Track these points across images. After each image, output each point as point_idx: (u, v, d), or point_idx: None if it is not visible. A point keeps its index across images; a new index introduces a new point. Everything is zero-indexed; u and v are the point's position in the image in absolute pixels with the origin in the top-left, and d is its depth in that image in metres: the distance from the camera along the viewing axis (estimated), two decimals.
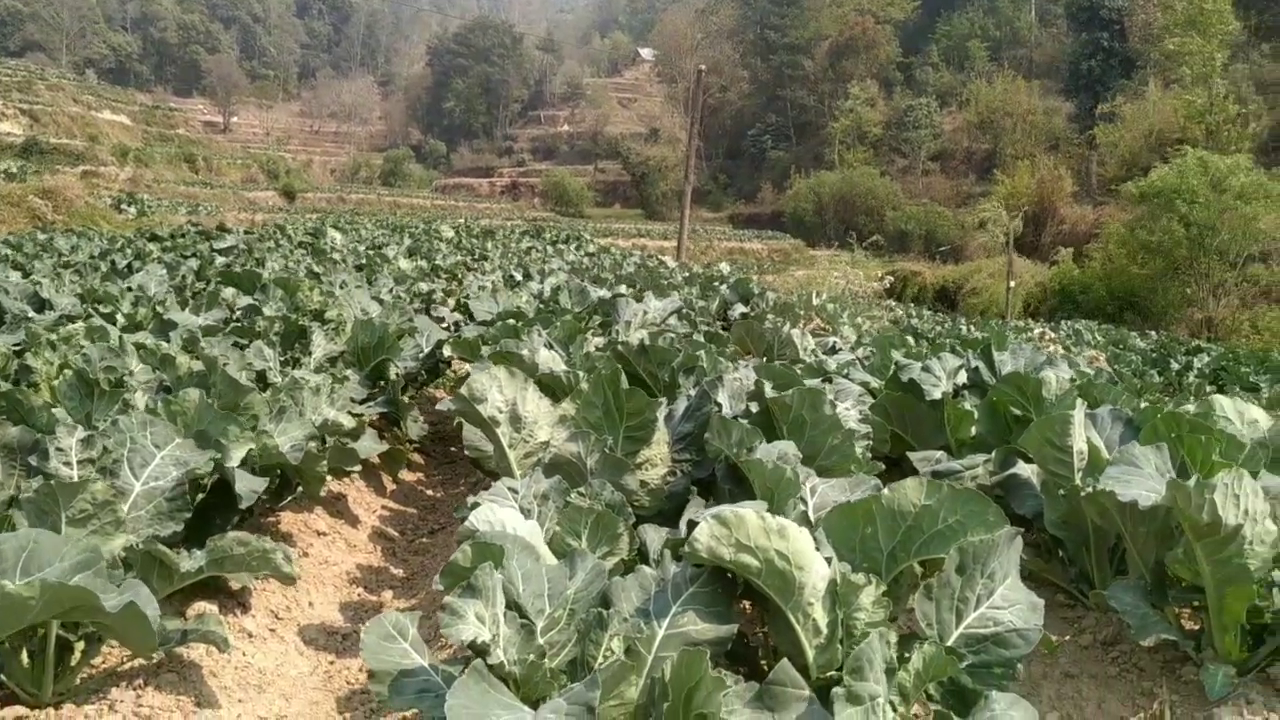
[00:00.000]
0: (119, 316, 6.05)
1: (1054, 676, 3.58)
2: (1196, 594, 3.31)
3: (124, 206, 28.52)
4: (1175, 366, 18.47)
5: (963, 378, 5.27)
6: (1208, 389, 17.17)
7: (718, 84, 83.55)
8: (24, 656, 2.74)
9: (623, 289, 8.04)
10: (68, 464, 3.12)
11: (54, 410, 3.42)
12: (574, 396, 3.69)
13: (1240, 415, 4.04)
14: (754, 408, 3.83)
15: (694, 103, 28.40)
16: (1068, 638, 3.79)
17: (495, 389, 3.58)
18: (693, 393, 3.92)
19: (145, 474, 3.15)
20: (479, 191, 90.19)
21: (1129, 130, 49.21)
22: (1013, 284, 32.76)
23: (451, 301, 8.98)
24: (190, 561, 2.84)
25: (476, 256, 17.44)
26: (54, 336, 4.73)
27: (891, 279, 29.29)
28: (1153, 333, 26.29)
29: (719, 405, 3.91)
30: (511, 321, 5.44)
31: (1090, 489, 3.42)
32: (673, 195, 79.69)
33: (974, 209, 51.80)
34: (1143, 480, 3.17)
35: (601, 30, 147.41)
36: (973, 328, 22.84)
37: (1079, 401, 3.88)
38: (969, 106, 68.49)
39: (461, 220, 41.69)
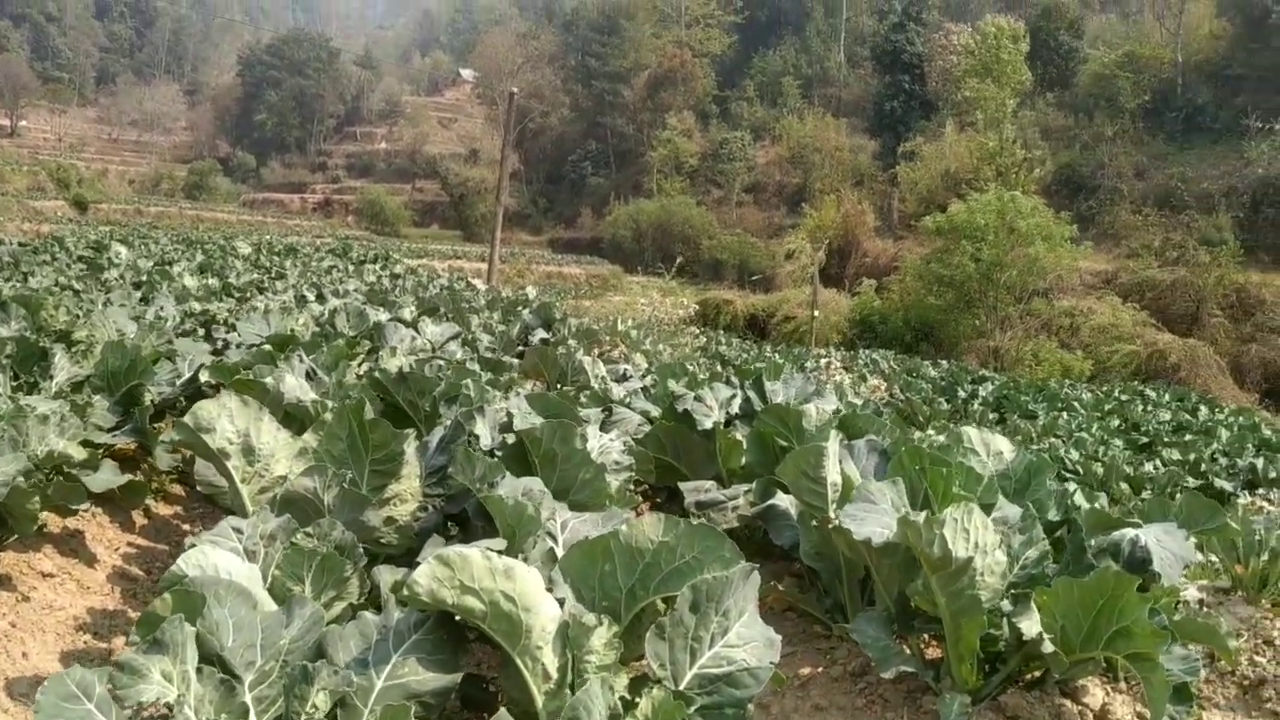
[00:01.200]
0: None
1: (804, 709, 3.58)
2: (937, 624, 3.38)
3: None
4: (962, 395, 19.46)
5: (736, 408, 5.31)
6: (990, 416, 18.18)
7: (539, 108, 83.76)
8: None
9: (406, 313, 7.80)
10: None
11: None
12: (317, 428, 3.47)
13: (986, 446, 4.18)
14: (509, 439, 3.72)
15: (507, 125, 28.31)
16: (820, 669, 3.82)
17: (225, 418, 3.34)
18: (440, 432, 3.78)
19: None
20: (290, 208, 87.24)
21: (927, 169, 51.90)
22: (817, 313, 33.91)
23: (229, 321, 8.54)
24: None
25: (273, 275, 16.75)
26: None
27: (699, 306, 29.82)
28: (944, 362, 27.67)
29: (476, 437, 3.78)
30: (268, 347, 5.15)
31: (838, 521, 3.47)
32: (491, 216, 79.20)
33: (784, 240, 53.54)
34: (878, 516, 3.21)
35: (422, 49, 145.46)
36: (778, 354, 23.49)
37: (833, 433, 3.93)
38: (781, 141, 70.90)
39: (268, 236, 40.13)
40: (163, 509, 6.19)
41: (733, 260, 57.01)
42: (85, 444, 4.57)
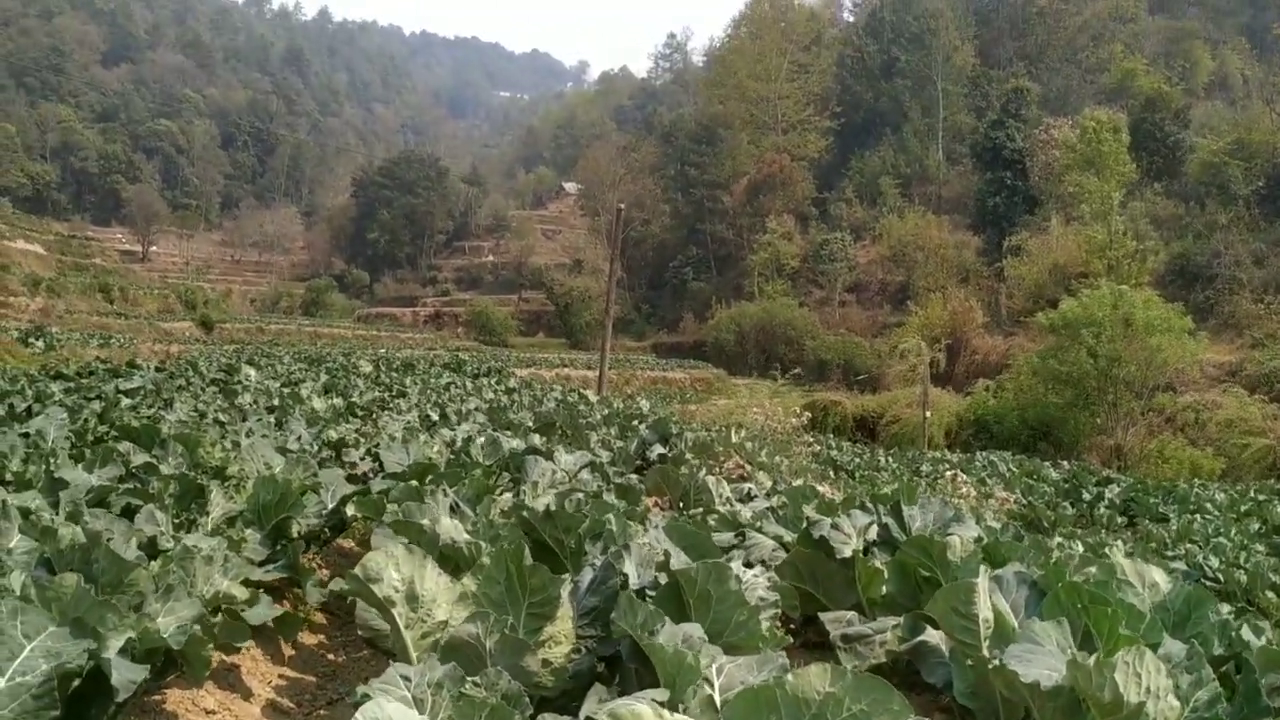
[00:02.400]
0: (8, 473, 5.81)
1: None
2: None
3: (31, 340, 27.83)
4: (1087, 498, 18.83)
5: (874, 534, 5.28)
6: (1119, 519, 17.53)
7: (640, 217, 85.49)
8: None
9: (536, 439, 7.97)
10: None
11: None
12: (475, 572, 3.58)
13: (1141, 578, 4.09)
14: (662, 578, 3.76)
15: (614, 237, 28.93)
16: None
17: (391, 567, 3.47)
18: (598, 562, 3.85)
19: (11, 669, 2.96)
20: (402, 320, 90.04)
21: (1034, 264, 51.24)
22: (929, 414, 33.40)
23: (364, 446, 8.81)
24: None
25: (394, 393, 17.26)
26: None
27: (810, 413, 29.68)
28: (1065, 462, 26.88)
29: (625, 576, 3.84)
30: (414, 483, 5.32)
31: (997, 661, 3.41)
32: (596, 324, 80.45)
33: (890, 338, 53.14)
34: (1044, 659, 3.16)
35: (526, 165, 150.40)
36: (890, 458, 23.13)
37: (982, 569, 3.88)
38: (882, 240, 70.85)
39: (383, 350, 41.42)
40: (307, 638, 6.36)
41: (837, 360, 56.69)
42: (246, 583, 4.77)
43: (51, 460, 6.37)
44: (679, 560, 3.67)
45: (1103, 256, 43.96)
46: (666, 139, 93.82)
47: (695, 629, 3.24)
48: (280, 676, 5.53)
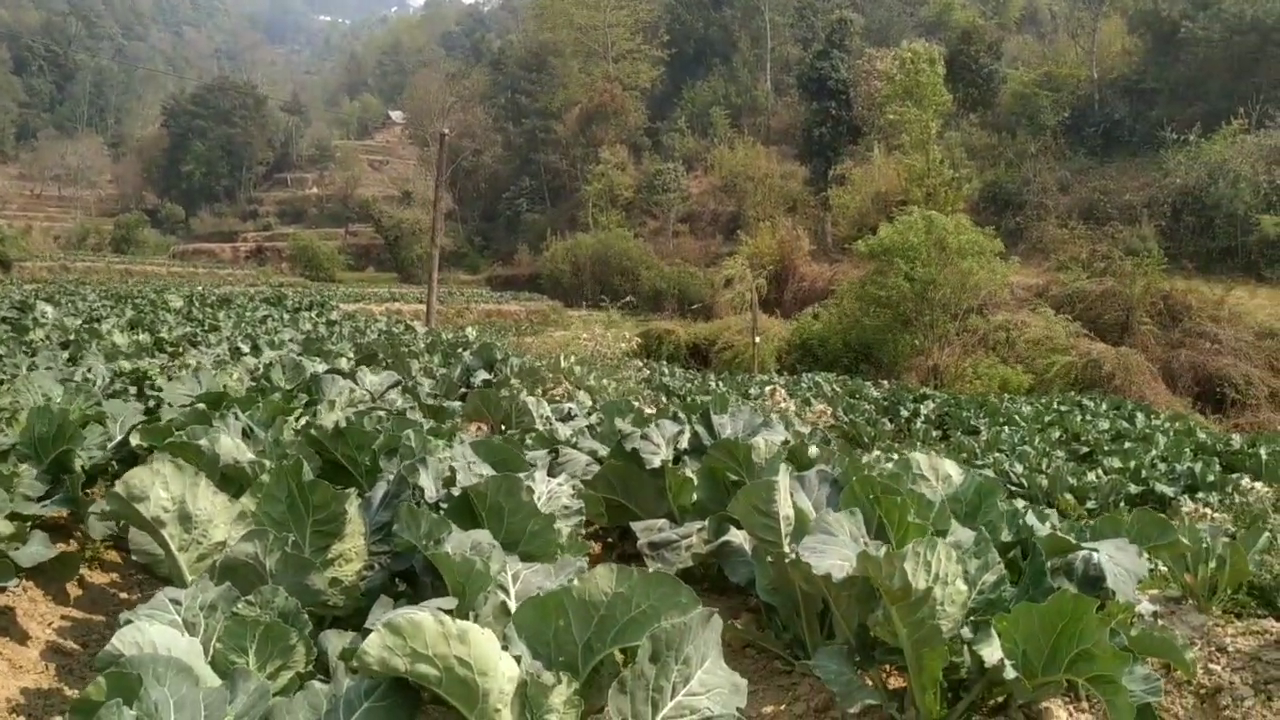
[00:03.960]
0: None
1: None
2: (899, 654, 3.35)
3: None
4: (905, 413, 19.63)
5: (685, 443, 5.27)
6: (934, 433, 18.36)
7: (471, 147, 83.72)
8: None
9: (343, 363, 7.66)
10: None
11: None
12: (254, 490, 3.36)
13: (935, 471, 4.18)
14: (454, 492, 3.63)
15: (439, 165, 28.20)
16: (783, 707, 3.76)
17: (159, 485, 3.21)
18: (392, 478, 3.68)
19: None
20: (221, 257, 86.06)
21: (858, 192, 52.69)
22: (758, 339, 34.10)
23: (163, 378, 8.31)
24: None
25: (206, 328, 16.43)
26: None
27: (642, 340, 29.90)
28: (885, 382, 27.94)
29: (420, 489, 3.69)
30: (201, 406, 5.00)
31: (795, 556, 3.42)
32: (427, 257, 78.61)
33: (722, 268, 53.89)
34: (838, 549, 3.18)
35: (350, 92, 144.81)
36: (721, 382, 23.54)
37: (784, 466, 3.90)
38: (713, 170, 71.56)
39: (199, 288, 39.46)
40: (98, 577, 5.97)
41: (672, 290, 57.21)
42: (13, 517, 4.40)
43: None
44: (479, 474, 3.53)
45: (921, 184, 45.52)
46: (496, 66, 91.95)
47: (485, 535, 3.13)
48: (63, 618, 5.17)
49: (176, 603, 2.95)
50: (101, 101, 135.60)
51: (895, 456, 10.42)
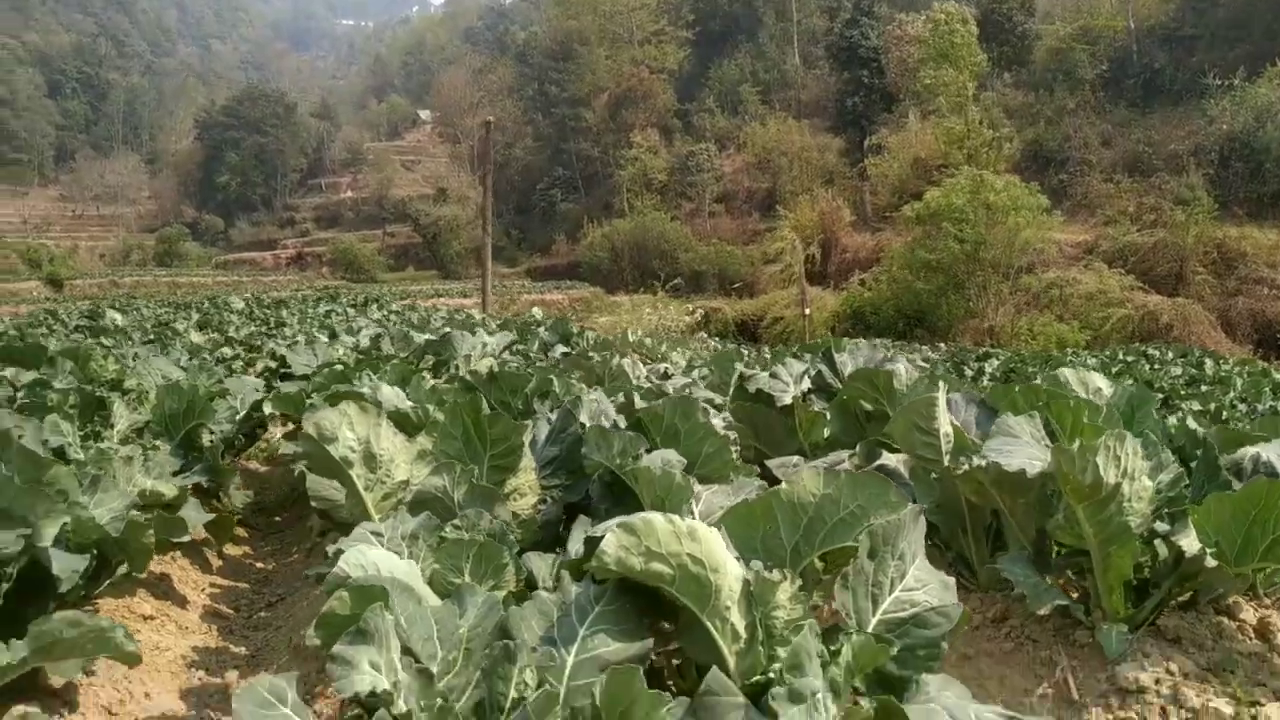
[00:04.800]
0: None
1: (951, 660, 3.53)
2: (1080, 557, 3.34)
3: None
4: (969, 372, 19.47)
5: (807, 384, 5.27)
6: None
7: (502, 140, 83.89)
8: None
9: (449, 330, 7.74)
10: None
11: None
12: (429, 430, 3.42)
13: (1084, 384, 4.16)
14: (622, 423, 3.66)
15: (485, 154, 28.31)
16: None
17: (345, 426, 3.27)
18: (552, 417, 3.72)
19: None
20: (263, 265, 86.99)
21: (896, 160, 52.22)
22: (808, 311, 33.98)
23: (254, 368, 8.44)
24: (8, 653, 2.41)
25: (272, 326, 16.63)
26: None
27: (703, 311, 29.93)
28: (942, 345, 27.74)
29: (583, 424, 3.72)
30: (339, 367, 5.08)
31: (967, 467, 3.42)
32: (468, 253, 79.13)
33: (763, 244, 53.69)
34: (1024, 449, 3.17)
35: (378, 95, 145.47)
36: (776, 355, 23.46)
37: (941, 384, 3.89)
38: (746, 148, 71.19)
39: (249, 294, 39.91)
40: (232, 549, 6.10)
41: (712, 270, 57.07)
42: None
43: None
44: (644, 401, 3.56)
45: (961, 147, 44.98)
46: (522, 59, 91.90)
47: (672, 454, 3.16)
48: (212, 585, 5.29)
49: (378, 534, 3.00)
50: (135, 120, 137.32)
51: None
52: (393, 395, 3.93)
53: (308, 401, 5.00)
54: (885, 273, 37.36)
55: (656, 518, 2.47)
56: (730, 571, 2.55)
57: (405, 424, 3.90)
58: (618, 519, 2.52)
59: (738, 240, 62.51)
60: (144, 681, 3.85)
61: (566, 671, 2.46)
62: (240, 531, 6.33)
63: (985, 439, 3.82)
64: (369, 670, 2.20)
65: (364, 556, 2.73)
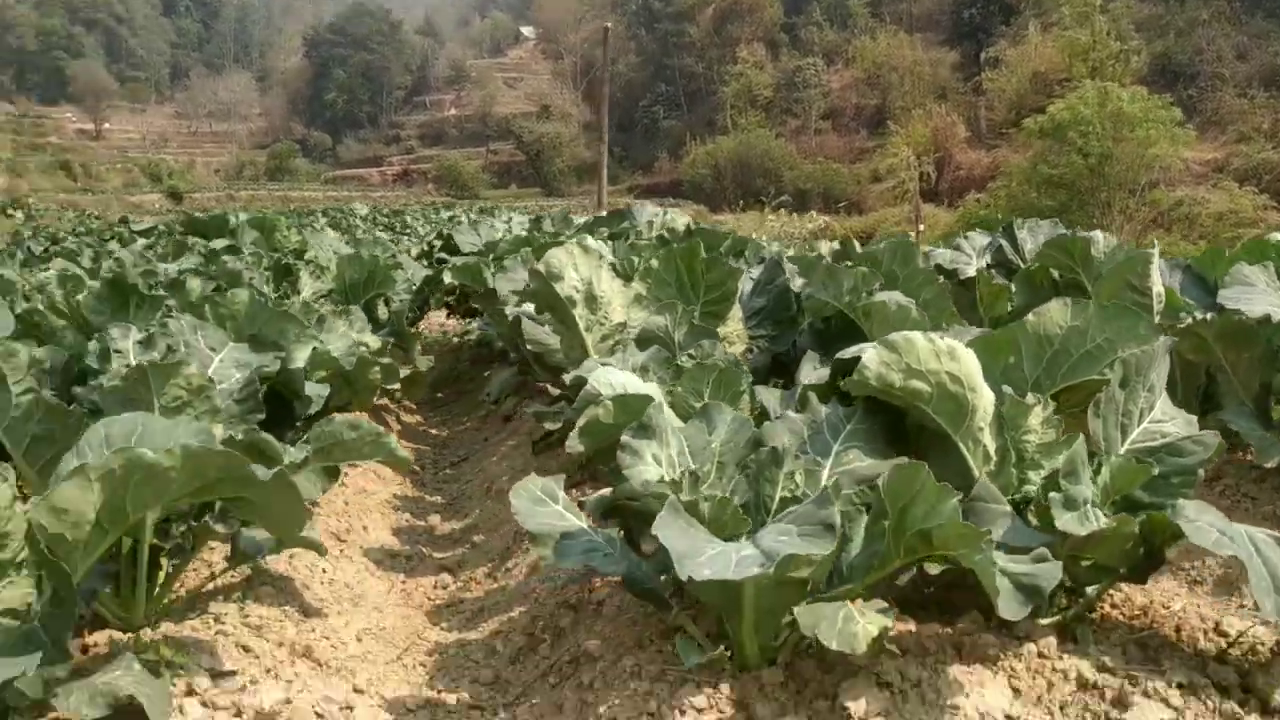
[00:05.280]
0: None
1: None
2: None
3: (9, 211, 27.06)
4: None
5: (988, 259, 5.20)
6: None
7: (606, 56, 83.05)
8: (114, 578, 2.45)
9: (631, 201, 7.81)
10: (128, 367, 2.79)
11: (92, 317, 3.08)
12: (643, 275, 3.47)
13: None
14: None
15: (604, 58, 28.41)
16: None
17: (570, 266, 3.35)
18: (754, 272, 3.74)
19: (214, 368, 2.85)
20: (370, 181, 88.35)
21: (1014, 74, 50.33)
22: (921, 228, 33.23)
23: (408, 254, 8.63)
24: (295, 451, 2.56)
25: (399, 230, 16.96)
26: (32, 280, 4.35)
27: (825, 220, 29.57)
28: None
29: (788, 276, 3.75)
30: (523, 234, 5.18)
31: (1190, 320, 3.36)
32: (570, 171, 79.20)
33: (871, 162, 52.55)
34: (1263, 297, 3.11)
35: (480, 11, 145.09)
36: None
37: (1155, 242, 3.81)
38: (855, 63, 69.33)
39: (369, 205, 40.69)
40: (407, 418, 6.35)
41: (817, 189, 56.12)
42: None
43: (115, 265, 6.17)
44: (863, 249, 3.57)
45: (1085, 60, 43.08)
46: None
47: (898, 294, 3.16)
48: (400, 444, 5.53)
49: (607, 364, 3.09)
50: (245, 37, 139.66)
51: None
52: (599, 246, 3.99)
53: (500, 262, 5.11)
54: (1003, 189, 36.17)
55: (916, 336, 2.49)
56: (984, 393, 2.56)
57: (614, 273, 3.98)
58: (877, 340, 2.54)
59: (844, 158, 61.28)
60: (361, 518, 4.07)
61: (824, 479, 2.51)
62: (409, 405, 6.57)
63: (1193, 302, 3.75)
64: (652, 462, 2.28)
65: (612, 376, 2.81)
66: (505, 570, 3.54)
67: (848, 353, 2.64)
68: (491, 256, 5.24)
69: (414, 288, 5.77)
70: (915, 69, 62.79)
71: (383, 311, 5.62)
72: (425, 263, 6.75)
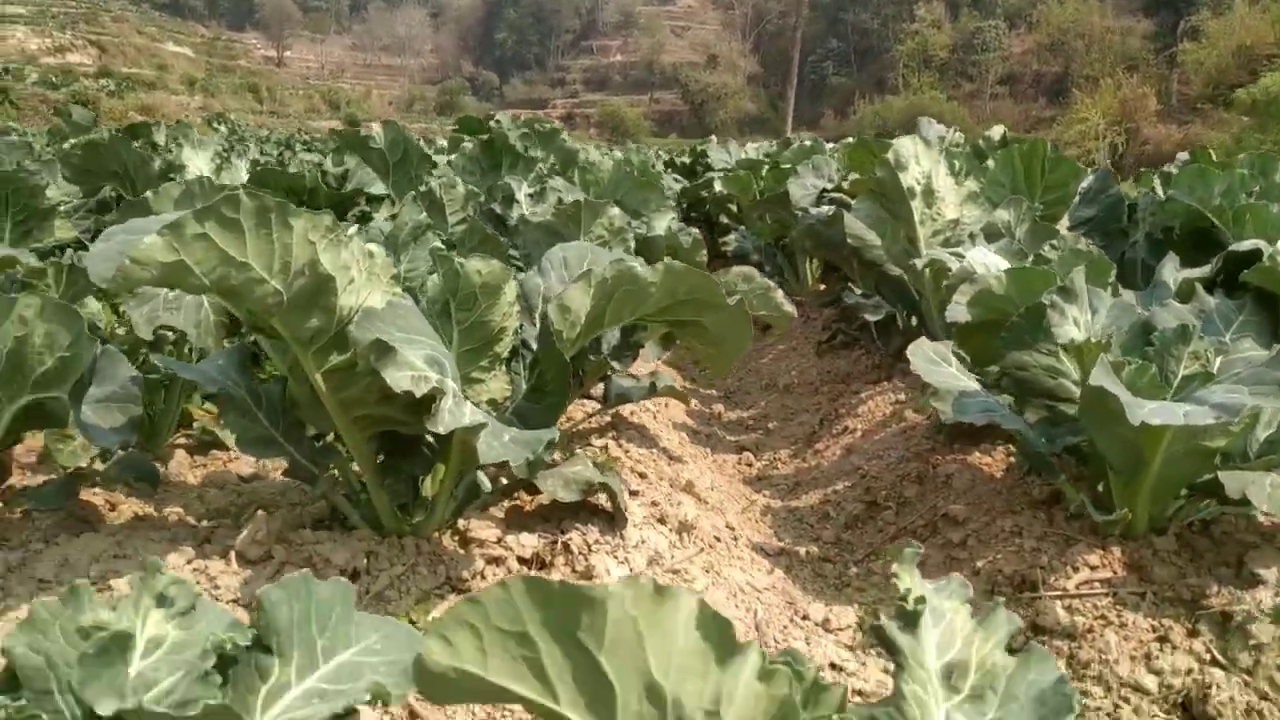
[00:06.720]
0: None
1: None
2: None
3: (215, 125, 28.63)
4: None
5: None
6: None
7: (778, 9, 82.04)
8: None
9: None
10: (546, 207, 3.02)
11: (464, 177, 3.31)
12: (977, 174, 3.52)
13: None
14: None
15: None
16: None
17: (914, 159, 3.43)
18: (1088, 182, 3.75)
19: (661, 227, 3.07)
20: None
21: (1215, 47, 47.55)
22: None
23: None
24: None
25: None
26: None
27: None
28: None
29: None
30: (808, 144, 5.27)
31: None
32: (732, 123, 78.65)
33: (1048, 131, 50.50)
34: None
35: None
36: None
37: None
38: (1039, 28, 66.60)
39: None
40: None
41: None
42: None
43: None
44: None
45: None
46: None
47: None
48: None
49: (959, 255, 3.16)
50: None
51: None
52: (938, 140, 4.06)
53: (754, 183, 5.22)
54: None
55: None
56: None
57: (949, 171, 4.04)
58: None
59: (1019, 126, 59.03)
60: (668, 423, 4.28)
61: (1216, 362, 2.54)
62: None
63: None
64: (1072, 323, 2.35)
65: (985, 256, 2.89)
66: (814, 452, 3.67)
67: (1243, 245, 2.66)
68: (766, 169, 5.35)
69: (670, 202, 5.92)
70: (1104, 37, 59.97)
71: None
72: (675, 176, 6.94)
